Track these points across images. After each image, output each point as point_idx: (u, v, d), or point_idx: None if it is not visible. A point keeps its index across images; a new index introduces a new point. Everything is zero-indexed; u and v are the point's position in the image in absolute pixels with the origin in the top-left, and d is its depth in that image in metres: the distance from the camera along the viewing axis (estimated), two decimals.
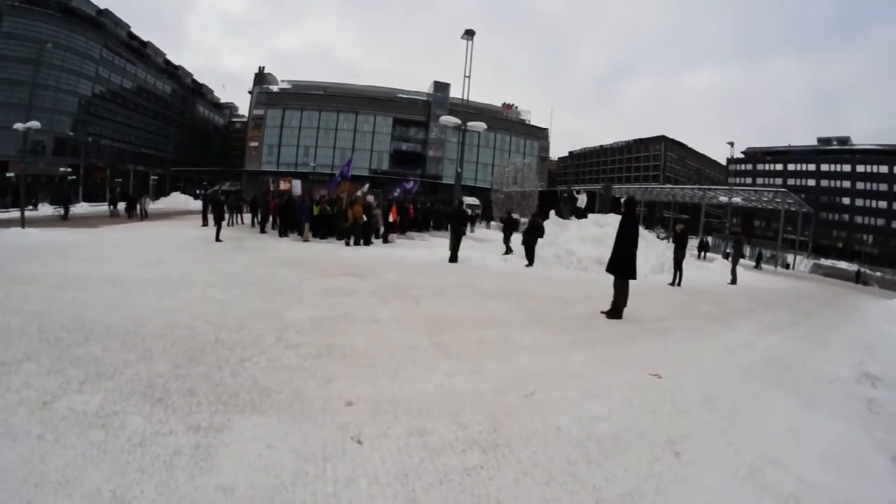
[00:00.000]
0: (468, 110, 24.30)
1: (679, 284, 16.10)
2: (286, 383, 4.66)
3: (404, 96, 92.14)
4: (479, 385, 5.03)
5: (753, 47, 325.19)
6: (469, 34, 21.85)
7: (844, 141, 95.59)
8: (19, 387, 4.08)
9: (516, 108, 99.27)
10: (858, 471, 4.01)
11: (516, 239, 20.12)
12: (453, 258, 16.76)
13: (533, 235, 17.87)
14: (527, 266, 17.32)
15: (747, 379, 6.21)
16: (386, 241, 22.94)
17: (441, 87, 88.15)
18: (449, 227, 18.02)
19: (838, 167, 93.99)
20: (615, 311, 9.14)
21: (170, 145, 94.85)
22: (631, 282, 9.24)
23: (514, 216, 20.59)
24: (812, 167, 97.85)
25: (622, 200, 9.72)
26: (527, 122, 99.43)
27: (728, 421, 4.70)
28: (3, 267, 9.82)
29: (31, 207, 31.32)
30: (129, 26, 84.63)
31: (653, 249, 19.86)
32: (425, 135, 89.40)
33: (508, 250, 20.75)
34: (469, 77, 22.33)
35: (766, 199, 62.54)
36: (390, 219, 23.69)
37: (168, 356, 5.14)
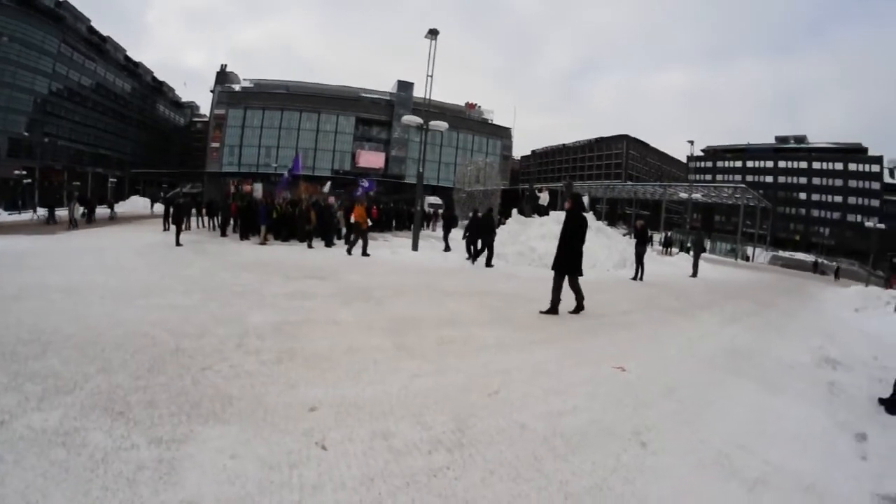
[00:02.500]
0: (431, 110, 24.21)
1: (641, 279, 16.36)
2: (248, 390, 4.64)
3: (367, 96, 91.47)
4: (442, 385, 5.05)
5: (716, 48, 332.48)
6: (432, 34, 21.77)
7: (801, 139, 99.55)
8: None
9: (479, 107, 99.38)
10: (823, 452, 4.15)
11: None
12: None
13: (474, 231, 18.16)
14: (467, 259, 17.79)
15: (710, 369, 6.38)
16: (348, 242, 22.85)
17: (404, 87, 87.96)
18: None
19: (795, 164, 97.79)
20: (555, 309, 9.03)
21: (129, 146, 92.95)
22: (594, 277, 9.37)
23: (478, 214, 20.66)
24: (770, 164, 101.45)
25: (568, 194, 9.67)
26: (490, 122, 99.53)
27: (692, 410, 4.82)
28: None
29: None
30: (89, 20, 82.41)
31: (615, 245, 20.24)
32: (388, 134, 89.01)
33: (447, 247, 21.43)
34: (432, 77, 22.25)
35: (725, 194, 64.03)
36: (352, 219, 23.62)
37: (128, 367, 5.06)
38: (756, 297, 15.80)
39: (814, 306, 15.60)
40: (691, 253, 23.18)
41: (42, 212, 36.64)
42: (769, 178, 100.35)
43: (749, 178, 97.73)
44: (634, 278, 16.41)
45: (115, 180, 75.87)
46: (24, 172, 62.09)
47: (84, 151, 79.67)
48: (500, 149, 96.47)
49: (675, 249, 39.06)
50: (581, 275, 9.15)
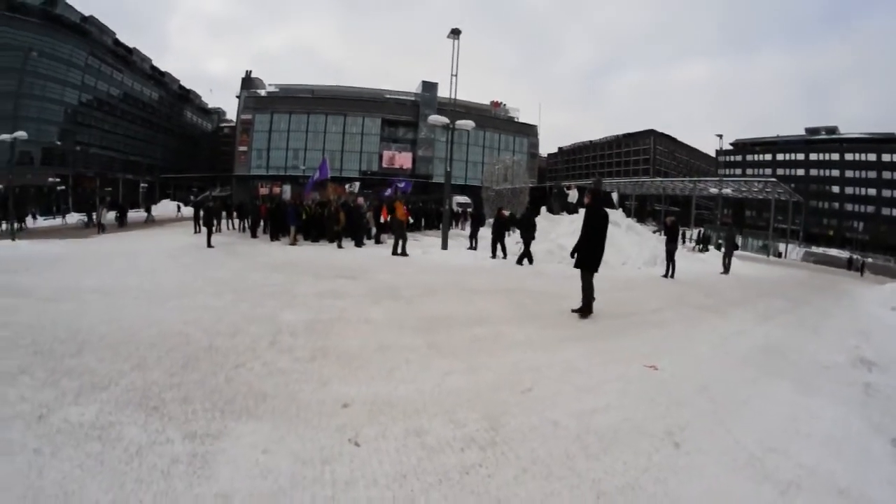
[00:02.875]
0: (456, 109, 24.16)
1: (672, 276, 16.11)
2: (281, 387, 4.65)
3: (392, 97, 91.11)
4: (474, 383, 5.03)
5: (743, 39, 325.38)
6: (455, 33, 21.72)
7: (832, 130, 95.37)
8: (15, 400, 4.07)
9: (505, 105, 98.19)
10: (857, 455, 4.02)
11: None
12: (531, 260, 16.89)
13: (502, 229, 18.20)
14: (492, 258, 17.77)
15: (743, 367, 6.25)
16: (378, 241, 22.94)
17: (429, 87, 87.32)
18: (520, 234, 17.97)
19: (827, 156, 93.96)
20: (586, 309, 8.65)
21: (158, 152, 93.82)
22: (624, 274, 9.17)
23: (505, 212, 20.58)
24: (801, 157, 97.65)
25: (587, 189, 9.41)
26: (515, 120, 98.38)
27: (726, 410, 4.71)
28: None
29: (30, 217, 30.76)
30: (114, 33, 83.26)
31: (645, 242, 20.01)
32: (414, 135, 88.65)
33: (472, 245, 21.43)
34: (456, 76, 22.16)
35: (756, 189, 62.58)
36: (381, 219, 23.71)
37: (162, 364, 5.12)
38: (789, 294, 15.51)
39: (848, 304, 15.26)
40: (722, 249, 22.82)
41: (72, 217, 37.03)
42: (800, 172, 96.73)
43: (780, 171, 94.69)
44: (665, 276, 16.18)
45: (146, 185, 77.04)
46: (59, 180, 63.31)
47: (115, 158, 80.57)
48: (527, 147, 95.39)
49: (710, 247, 38.41)
50: (596, 271, 8.71)
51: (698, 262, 22.48)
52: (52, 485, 2.94)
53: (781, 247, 54.84)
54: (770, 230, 56.35)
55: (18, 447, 3.36)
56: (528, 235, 17.34)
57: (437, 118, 21.39)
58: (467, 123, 21.45)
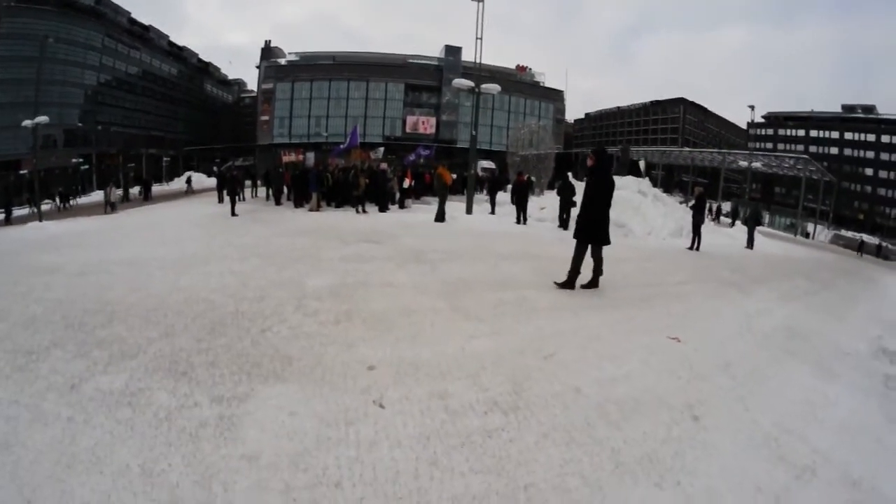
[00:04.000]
0: (481, 73, 23.81)
1: (697, 249, 15.86)
2: (307, 350, 4.71)
3: (415, 62, 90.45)
4: (498, 347, 5.03)
5: (780, 4, 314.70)
6: None
7: (870, 109, 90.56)
8: (47, 373, 4.15)
9: (530, 70, 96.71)
10: (873, 447, 3.96)
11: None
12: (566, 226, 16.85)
13: (522, 194, 18.21)
14: (516, 223, 17.72)
15: (765, 346, 6.16)
16: (402, 206, 22.98)
17: (452, 51, 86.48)
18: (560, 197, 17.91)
19: (862, 136, 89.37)
20: (571, 283, 7.86)
21: (180, 126, 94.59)
22: (649, 245, 8.72)
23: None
24: (835, 135, 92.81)
25: (591, 150, 8.72)
26: (541, 85, 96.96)
27: (746, 387, 4.68)
28: (24, 260, 9.89)
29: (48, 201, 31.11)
30: (128, 13, 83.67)
31: (671, 213, 19.78)
32: (438, 100, 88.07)
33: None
34: (481, 39, 21.74)
35: (787, 165, 61.20)
36: (405, 184, 23.73)
37: (190, 331, 5.20)
38: (815, 275, 15.07)
39: (875, 292, 14.97)
40: (747, 224, 22.49)
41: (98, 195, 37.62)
42: (834, 150, 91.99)
43: (812, 148, 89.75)
44: (691, 248, 15.91)
45: (168, 159, 77.82)
46: (82, 160, 64.96)
47: (137, 135, 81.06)
48: (553, 112, 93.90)
49: (738, 221, 37.76)
50: (608, 243, 7.97)
51: (724, 237, 22.18)
52: (85, 451, 3.01)
53: (810, 227, 53.72)
54: (799, 209, 54.71)
55: (52, 417, 3.44)
56: (568, 201, 17.21)
57: (461, 82, 21.22)
58: (492, 87, 21.09)
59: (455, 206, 18.62)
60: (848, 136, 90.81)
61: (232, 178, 22.35)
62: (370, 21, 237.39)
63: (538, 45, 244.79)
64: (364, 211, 20.31)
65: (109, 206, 27.22)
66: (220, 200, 25.98)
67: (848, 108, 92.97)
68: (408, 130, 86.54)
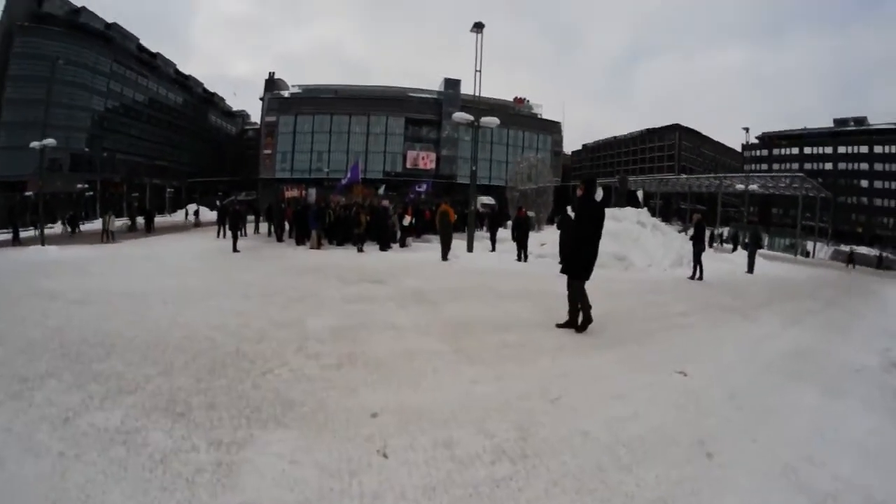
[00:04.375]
0: (480, 106, 24.06)
1: (700, 278, 15.73)
2: (309, 395, 4.61)
3: (415, 95, 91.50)
4: (503, 391, 4.94)
5: (770, 24, 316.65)
6: (478, 27, 21.55)
7: (861, 121, 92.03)
8: (41, 403, 4.11)
9: (528, 101, 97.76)
10: (894, 467, 3.89)
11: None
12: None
13: (522, 230, 18.09)
14: (517, 261, 17.52)
15: (772, 372, 6.11)
16: (403, 245, 22.95)
17: (452, 84, 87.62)
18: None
19: (855, 149, 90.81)
20: (573, 322, 7.58)
21: (184, 156, 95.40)
22: (650, 277, 8.61)
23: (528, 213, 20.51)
24: (829, 150, 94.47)
25: (581, 181, 8.38)
26: (539, 117, 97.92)
27: (756, 417, 4.60)
28: (25, 283, 9.95)
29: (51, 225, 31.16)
30: (137, 39, 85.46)
31: (671, 243, 19.73)
32: (438, 134, 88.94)
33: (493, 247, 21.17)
34: (480, 72, 21.98)
35: (783, 185, 61.81)
36: (406, 221, 23.70)
37: (189, 369, 5.13)
38: (817, 294, 15.27)
39: (879, 305, 14.98)
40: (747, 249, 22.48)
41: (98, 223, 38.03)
42: (828, 165, 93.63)
43: (807, 165, 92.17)
44: (692, 277, 15.79)
45: (172, 190, 78.33)
46: (87, 186, 65.42)
47: (141, 163, 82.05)
48: (551, 144, 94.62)
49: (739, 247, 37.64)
50: (587, 278, 7.50)
51: (725, 262, 22.09)
52: (75, 488, 2.93)
53: (809, 245, 53.92)
54: (797, 228, 55.24)
55: (44, 449, 3.38)
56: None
57: (461, 115, 21.39)
58: (492, 120, 21.22)
59: (455, 243, 18.56)
60: (841, 149, 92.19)
61: (234, 213, 22.37)
62: (371, 52, 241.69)
63: (536, 75, 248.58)
64: (362, 250, 20.28)
65: (108, 235, 26.99)
66: (221, 235, 26.22)
67: (840, 122, 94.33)
68: (408, 166, 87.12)
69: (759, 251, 22.04)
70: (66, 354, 5.34)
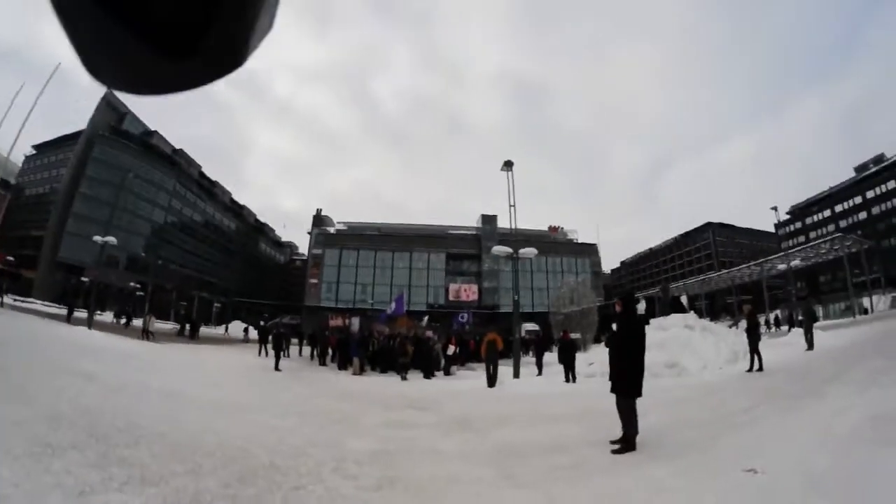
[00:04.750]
0: (517, 238, 24.55)
1: (760, 369, 14.70)
2: None
3: (455, 232, 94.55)
4: None
5: (771, 100, 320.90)
6: (508, 165, 22.64)
7: (879, 159, 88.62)
8: (59, 471, 3.97)
9: (562, 228, 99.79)
10: None
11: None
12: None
13: (568, 352, 17.68)
14: (565, 382, 17.01)
15: (854, 446, 5.48)
16: (447, 373, 22.58)
17: (488, 220, 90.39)
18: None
19: (883, 188, 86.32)
20: (626, 442, 6.94)
21: (233, 277, 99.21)
22: (705, 379, 7.96)
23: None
24: (858, 199, 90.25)
25: (619, 296, 8.05)
26: (575, 241, 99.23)
27: (845, 500, 4.08)
28: (66, 361, 9.98)
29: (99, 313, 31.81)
30: (200, 166, 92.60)
31: (723, 340, 19.02)
32: (478, 267, 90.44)
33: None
34: (514, 206, 22.73)
35: (823, 251, 59.01)
36: (450, 351, 23.46)
37: (218, 474, 4.84)
38: (886, 350, 14.16)
39: None
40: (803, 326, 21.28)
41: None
42: (863, 215, 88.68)
43: (842, 223, 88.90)
44: (750, 370, 14.80)
45: (219, 305, 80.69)
46: (139, 286, 68.72)
47: (192, 276, 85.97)
48: (590, 266, 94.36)
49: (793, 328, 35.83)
50: (639, 395, 7.14)
51: (782, 346, 21.05)
52: None
53: (865, 301, 51.08)
54: (849, 288, 52.23)
55: None
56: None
57: (500, 249, 22.00)
58: (530, 251, 21.59)
59: (501, 370, 18.20)
60: (870, 194, 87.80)
61: (279, 334, 22.40)
62: (410, 192, 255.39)
63: (567, 204, 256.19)
64: (406, 378, 19.88)
65: (146, 335, 26.83)
66: (263, 354, 26.21)
67: (860, 168, 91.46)
68: (451, 298, 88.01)
69: (816, 324, 20.99)
70: (93, 434, 5.20)
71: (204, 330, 41.90)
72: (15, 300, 36.96)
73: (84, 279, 55.46)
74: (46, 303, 46.22)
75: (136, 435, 5.52)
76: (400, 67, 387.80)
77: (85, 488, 3.71)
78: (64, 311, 30.80)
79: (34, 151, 76.39)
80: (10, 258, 58.01)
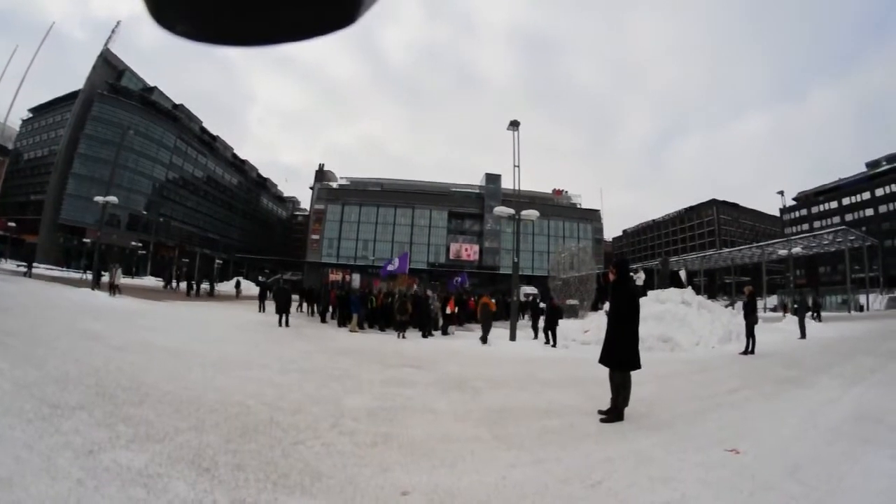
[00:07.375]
0: (520, 199, 24.46)
1: (753, 352, 15.03)
2: (339, 469, 4.42)
3: (458, 190, 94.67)
4: (542, 475, 4.66)
5: (791, 84, 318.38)
6: (514, 125, 22.25)
7: (893, 157, 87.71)
8: (68, 431, 4.15)
9: (566, 192, 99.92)
10: None
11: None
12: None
13: (553, 318, 18.14)
14: (551, 346, 17.49)
15: (836, 439, 5.76)
16: (445, 332, 22.79)
17: (492, 179, 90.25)
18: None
19: (893, 187, 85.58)
20: (614, 413, 6.94)
21: (235, 233, 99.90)
22: (698, 356, 8.08)
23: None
24: (867, 195, 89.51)
25: (612, 263, 7.81)
26: (578, 206, 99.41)
27: (822, 491, 4.25)
28: (72, 321, 10.12)
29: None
30: (201, 121, 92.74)
31: (718, 319, 19.29)
32: (480, 227, 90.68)
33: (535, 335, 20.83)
34: (518, 167, 22.51)
35: (826, 242, 59.06)
36: (448, 311, 23.70)
37: (220, 429, 5.04)
38: (877, 349, 14.69)
39: None
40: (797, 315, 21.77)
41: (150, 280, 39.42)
42: (869, 211, 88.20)
43: (848, 216, 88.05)
44: (745, 352, 15.08)
45: (220, 262, 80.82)
46: (140, 244, 69.49)
47: (194, 233, 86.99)
48: (592, 232, 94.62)
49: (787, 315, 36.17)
50: (636, 367, 7.06)
51: (776, 332, 21.37)
52: None
53: (862, 299, 52.12)
54: (847, 283, 52.69)
55: (63, 474, 3.37)
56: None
57: (502, 210, 21.87)
58: (532, 213, 21.58)
59: (498, 332, 18.50)
60: (879, 192, 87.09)
61: (281, 290, 22.71)
62: (415, 148, 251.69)
63: (572, 165, 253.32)
64: (404, 336, 20.10)
65: (113, 289, 24.59)
66: (261, 310, 26.68)
67: (872, 165, 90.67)
68: (451, 257, 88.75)
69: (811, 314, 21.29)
70: (100, 394, 5.39)
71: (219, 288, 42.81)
72: (17, 265, 36.67)
73: (86, 240, 56.28)
74: (50, 266, 47.32)
75: (141, 394, 5.74)
76: (409, 14, 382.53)
77: (93, 447, 3.90)
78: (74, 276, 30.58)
79: (31, 115, 76.89)
80: (12, 223, 58.55)
